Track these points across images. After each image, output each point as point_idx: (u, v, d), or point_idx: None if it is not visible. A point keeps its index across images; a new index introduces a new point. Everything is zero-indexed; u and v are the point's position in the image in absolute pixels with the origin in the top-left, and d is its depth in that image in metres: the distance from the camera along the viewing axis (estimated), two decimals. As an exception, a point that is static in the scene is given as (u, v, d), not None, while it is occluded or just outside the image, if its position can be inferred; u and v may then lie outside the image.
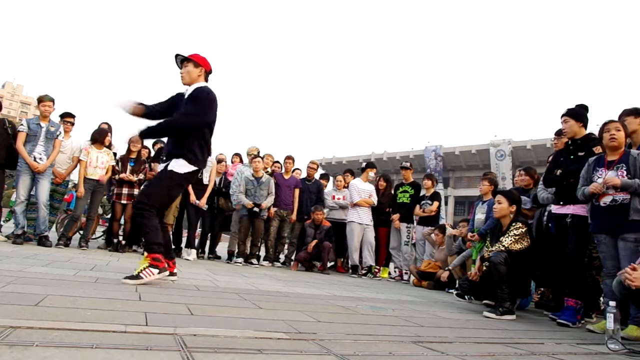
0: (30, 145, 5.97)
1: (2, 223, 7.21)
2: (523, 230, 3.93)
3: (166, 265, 3.40)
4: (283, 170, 8.28)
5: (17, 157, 6.00)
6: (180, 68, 3.62)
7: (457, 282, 5.62)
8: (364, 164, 8.47)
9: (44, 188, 6.02)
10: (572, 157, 4.03)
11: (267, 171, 8.04)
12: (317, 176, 9.01)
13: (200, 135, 3.49)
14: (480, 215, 5.87)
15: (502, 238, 3.96)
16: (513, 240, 3.89)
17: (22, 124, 6.12)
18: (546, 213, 4.63)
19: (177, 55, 3.62)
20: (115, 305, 2.22)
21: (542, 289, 5.28)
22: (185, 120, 3.41)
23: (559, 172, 4.03)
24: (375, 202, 7.89)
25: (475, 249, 5.53)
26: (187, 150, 3.42)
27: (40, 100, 6.15)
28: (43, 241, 5.94)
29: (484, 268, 4.07)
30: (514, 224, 3.99)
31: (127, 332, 1.70)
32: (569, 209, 3.93)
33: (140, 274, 3.21)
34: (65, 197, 7.36)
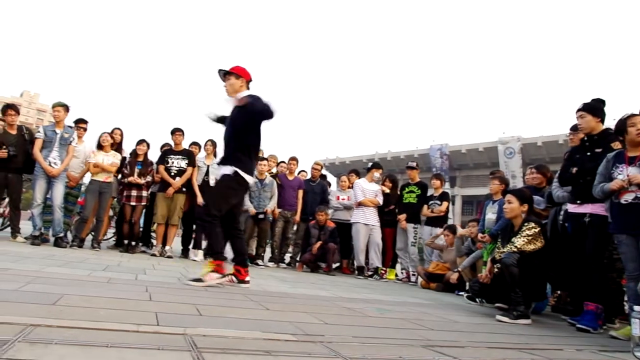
0: (46, 150, 6.19)
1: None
2: (536, 230, 3.82)
3: (226, 272, 3.74)
4: (287, 171, 8.32)
5: (34, 162, 6.22)
6: (223, 81, 3.98)
7: (468, 284, 5.58)
8: (369, 164, 8.46)
9: (58, 191, 6.20)
10: (588, 153, 3.88)
11: (271, 172, 8.08)
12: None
13: (249, 142, 3.88)
14: (491, 215, 5.80)
15: (514, 239, 3.86)
16: (525, 240, 3.78)
17: (39, 131, 6.37)
18: (561, 212, 4.48)
19: (219, 70, 3.98)
20: (127, 305, 2.27)
21: (558, 292, 5.12)
22: (258, 104, 3.69)
23: (575, 169, 3.89)
24: (381, 202, 7.83)
25: (486, 250, 5.48)
26: (236, 156, 3.82)
27: (53, 106, 6.36)
28: (59, 242, 6.13)
29: (496, 270, 4.00)
30: (526, 224, 3.88)
31: (139, 331, 1.73)
32: (587, 208, 3.79)
33: (204, 278, 3.56)
34: (79, 199, 7.52)
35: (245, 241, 7.52)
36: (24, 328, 1.55)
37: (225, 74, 3.96)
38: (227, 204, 3.83)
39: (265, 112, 3.73)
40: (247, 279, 3.92)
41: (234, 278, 3.90)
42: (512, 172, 31.45)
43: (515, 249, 3.78)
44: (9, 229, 6.79)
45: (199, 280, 3.57)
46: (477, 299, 4.89)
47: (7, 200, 7.10)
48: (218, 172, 3.88)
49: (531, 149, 36.26)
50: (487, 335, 2.89)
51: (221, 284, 3.71)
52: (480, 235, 5.72)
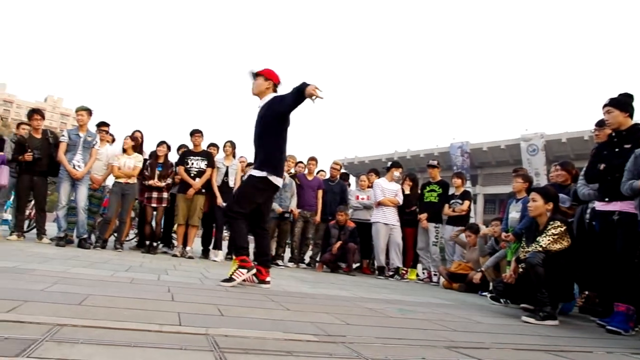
0: (70, 154, 6.36)
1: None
2: (562, 229, 3.72)
3: (252, 265, 3.79)
4: (306, 171, 8.33)
5: (58, 165, 6.40)
6: (253, 80, 4.10)
7: (491, 284, 5.49)
8: (389, 164, 8.40)
9: (82, 193, 6.35)
10: (617, 149, 3.77)
11: (290, 172, 8.11)
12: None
13: (279, 142, 3.96)
14: (514, 214, 5.69)
15: (539, 238, 3.77)
16: (551, 240, 3.69)
17: (63, 135, 6.55)
18: (588, 210, 4.37)
19: (250, 72, 4.11)
20: (150, 305, 2.30)
21: (587, 292, 5.00)
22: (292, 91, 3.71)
23: (602, 166, 3.77)
24: (401, 202, 7.74)
25: (510, 249, 5.39)
26: (267, 158, 3.89)
27: (76, 110, 6.53)
28: (83, 243, 6.28)
29: (520, 270, 3.92)
30: (551, 222, 3.78)
31: (162, 331, 1.75)
32: (616, 206, 3.67)
33: (233, 276, 3.63)
34: (103, 201, 7.68)
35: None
36: (51, 327, 1.58)
37: (255, 75, 4.08)
38: (251, 203, 3.89)
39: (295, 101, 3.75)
40: (267, 279, 3.94)
41: (254, 278, 3.94)
42: (535, 169, 30.79)
43: (541, 249, 3.69)
44: (34, 231, 6.98)
45: (229, 280, 3.64)
46: (501, 300, 4.80)
47: (32, 202, 7.30)
48: (253, 171, 3.96)
49: (555, 145, 35.51)
50: (512, 336, 2.82)
51: (246, 281, 3.80)
52: (503, 234, 5.62)
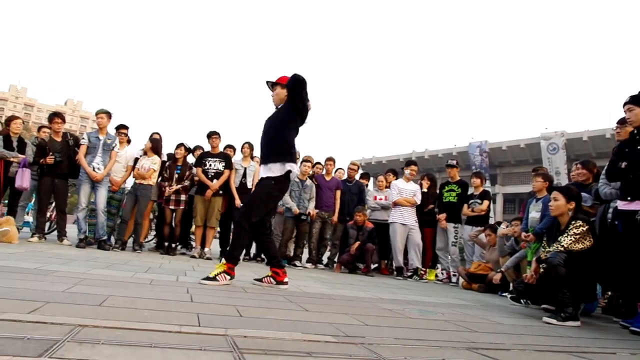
0: (89, 156, 6.48)
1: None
2: (584, 229, 3.65)
3: (235, 274, 3.81)
4: (324, 172, 8.32)
5: (78, 168, 6.52)
6: (272, 90, 4.14)
7: (511, 285, 5.40)
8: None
9: (102, 195, 6.45)
10: (638, 147, 3.68)
11: (308, 173, 8.11)
12: (357, 177, 8.99)
13: (290, 141, 4.00)
14: (534, 213, 5.60)
15: (560, 238, 3.70)
16: (573, 239, 3.62)
17: (83, 137, 6.68)
18: (610, 210, 4.28)
19: (267, 82, 4.15)
20: (169, 306, 2.32)
21: (609, 293, 4.90)
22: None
23: (624, 164, 3.68)
24: (418, 202, 7.67)
25: (530, 249, 5.30)
26: (283, 152, 3.92)
27: (96, 113, 6.65)
28: (102, 245, 6.36)
29: (541, 270, 3.84)
30: (573, 222, 3.71)
31: (182, 332, 1.76)
32: (638, 205, 3.59)
33: (217, 277, 3.64)
34: (123, 203, 7.78)
35: (284, 243, 7.64)
36: (72, 328, 1.60)
37: (272, 85, 4.11)
38: (266, 210, 4.00)
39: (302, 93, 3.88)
40: (285, 279, 3.95)
41: (272, 280, 3.97)
42: (556, 168, 30.19)
43: (562, 249, 3.62)
44: (55, 232, 7.12)
45: (213, 279, 3.62)
46: (521, 300, 4.73)
47: (53, 204, 7.45)
48: (263, 170, 3.96)
49: (576, 144, 34.90)
50: (534, 337, 2.76)
51: (264, 283, 3.97)
52: (523, 234, 5.53)
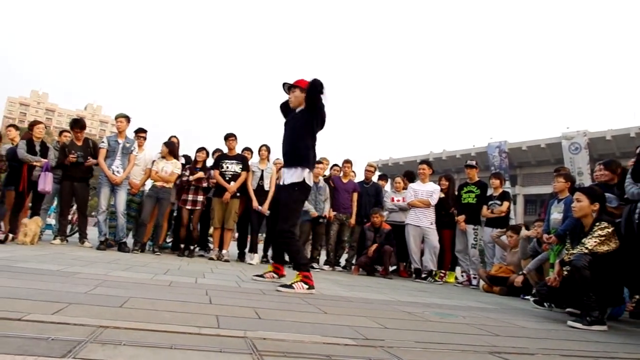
0: (109, 160, 6.61)
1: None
2: (609, 230, 3.55)
3: (313, 283, 3.86)
4: (341, 174, 8.29)
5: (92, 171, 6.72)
6: (288, 93, 4.21)
7: (534, 287, 5.29)
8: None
9: (121, 198, 6.56)
10: None
11: (324, 175, 8.09)
12: (374, 178, 8.94)
13: (309, 144, 4.10)
14: (556, 214, 5.48)
15: (584, 239, 3.61)
16: (598, 241, 3.53)
17: (103, 141, 6.81)
18: (637, 210, 4.13)
19: (284, 84, 4.21)
20: (188, 308, 2.33)
21: (637, 296, 4.77)
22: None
23: None
24: (434, 202, 7.56)
25: (553, 251, 5.20)
26: (302, 157, 4.04)
27: (115, 117, 6.77)
28: (122, 247, 6.46)
29: (565, 273, 3.75)
30: (597, 223, 3.62)
31: (201, 334, 1.76)
32: None
33: (294, 285, 3.72)
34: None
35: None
36: (94, 329, 1.62)
37: (290, 87, 4.17)
38: (299, 215, 4.20)
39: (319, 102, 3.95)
40: (284, 273, 4.26)
41: (274, 275, 4.34)
42: (578, 168, 29.63)
43: (587, 251, 3.52)
44: (77, 235, 7.25)
45: (289, 286, 3.70)
46: (545, 304, 4.62)
47: (75, 207, 7.59)
48: (287, 176, 4.06)
49: (599, 143, 34.18)
50: (558, 342, 2.69)
51: (267, 278, 4.27)
52: (545, 236, 5.42)
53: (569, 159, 31.51)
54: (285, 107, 4.33)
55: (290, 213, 4.00)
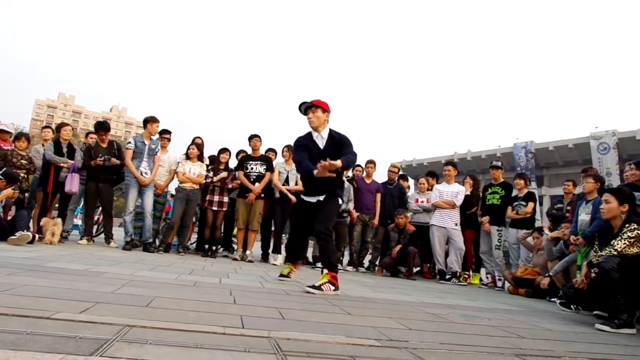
0: (136, 161, 6.71)
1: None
2: (639, 232, 3.48)
3: (339, 284, 3.92)
4: (364, 175, 8.26)
5: (120, 173, 6.88)
6: (305, 114, 4.14)
7: (561, 290, 5.18)
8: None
9: (149, 199, 6.67)
10: None
11: (347, 176, 8.07)
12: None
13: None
14: (584, 216, 5.35)
15: (613, 241, 3.53)
16: (627, 243, 3.45)
17: (129, 142, 6.87)
18: None
19: (302, 104, 4.13)
20: (213, 308, 2.36)
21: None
22: (355, 159, 4.06)
23: None
24: (459, 203, 7.44)
25: (580, 253, 5.07)
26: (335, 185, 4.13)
27: (153, 121, 6.88)
28: (147, 247, 6.56)
29: (592, 275, 3.67)
30: (627, 225, 3.54)
31: (226, 334, 1.78)
32: None
33: (322, 287, 3.74)
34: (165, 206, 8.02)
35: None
36: (121, 328, 1.66)
37: (308, 107, 4.11)
38: (334, 220, 4.61)
39: (353, 162, 4.08)
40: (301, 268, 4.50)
41: (296, 270, 4.57)
42: (607, 169, 28.73)
43: (616, 253, 3.46)
44: (103, 235, 7.40)
45: (318, 288, 3.71)
46: (572, 306, 4.52)
47: (100, 208, 7.74)
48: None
49: (629, 143, 33.18)
50: (586, 345, 2.62)
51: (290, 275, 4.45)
52: (572, 237, 5.29)
53: (598, 159, 30.62)
54: (304, 141, 4.23)
55: (330, 217, 4.18)
